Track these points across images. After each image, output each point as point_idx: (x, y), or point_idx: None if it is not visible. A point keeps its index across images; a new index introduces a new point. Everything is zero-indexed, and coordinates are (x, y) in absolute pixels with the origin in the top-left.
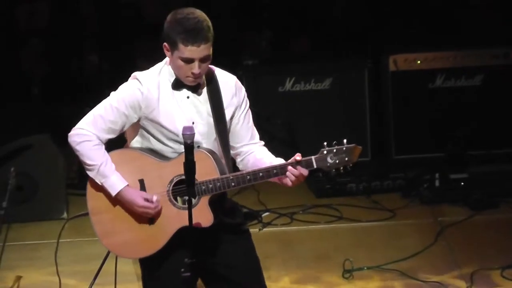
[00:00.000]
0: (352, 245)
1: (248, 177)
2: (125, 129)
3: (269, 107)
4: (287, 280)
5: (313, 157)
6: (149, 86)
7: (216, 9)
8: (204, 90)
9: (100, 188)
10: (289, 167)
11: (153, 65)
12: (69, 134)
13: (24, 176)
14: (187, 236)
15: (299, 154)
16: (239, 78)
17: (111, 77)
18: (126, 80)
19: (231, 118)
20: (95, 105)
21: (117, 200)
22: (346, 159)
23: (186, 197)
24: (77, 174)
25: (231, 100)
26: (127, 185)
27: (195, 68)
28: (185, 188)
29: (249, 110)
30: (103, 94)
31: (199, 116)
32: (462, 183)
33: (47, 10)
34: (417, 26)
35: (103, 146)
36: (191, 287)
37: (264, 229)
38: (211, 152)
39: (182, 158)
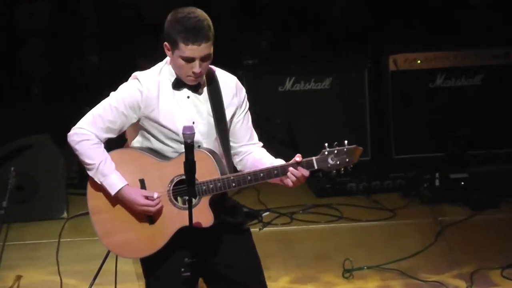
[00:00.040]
0: (352, 245)
1: (249, 177)
2: (124, 129)
3: (269, 107)
4: (287, 279)
5: (314, 158)
6: (149, 86)
7: (216, 9)
8: (205, 89)
9: (100, 188)
10: (290, 168)
11: (153, 65)
12: (68, 134)
13: (24, 176)
14: (187, 236)
15: (300, 155)
16: (239, 78)
17: (111, 77)
18: (126, 80)
19: (232, 118)
20: (95, 105)
21: (117, 200)
22: (347, 160)
23: (187, 197)
24: (77, 174)
25: (232, 100)
26: (127, 184)
27: (196, 67)
28: (185, 188)
29: (249, 111)
30: (103, 94)
31: (200, 116)
32: (462, 183)
33: (47, 10)
34: (417, 26)
35: (102, 145)
36: (192, 287)
37: (264, 229)
38: (211, 152)
39: (183, 158)
